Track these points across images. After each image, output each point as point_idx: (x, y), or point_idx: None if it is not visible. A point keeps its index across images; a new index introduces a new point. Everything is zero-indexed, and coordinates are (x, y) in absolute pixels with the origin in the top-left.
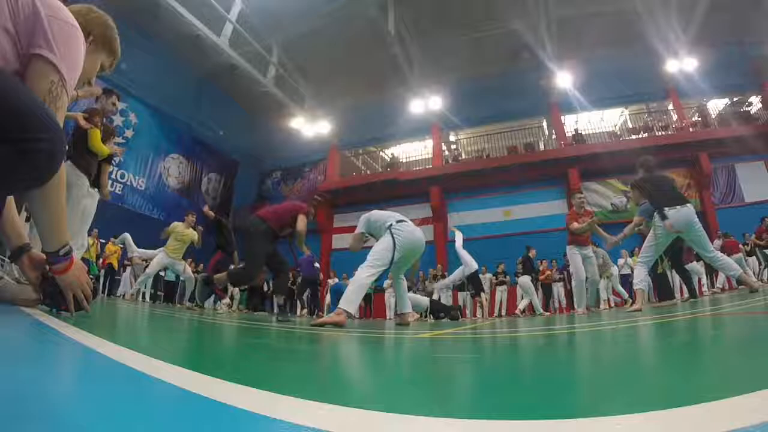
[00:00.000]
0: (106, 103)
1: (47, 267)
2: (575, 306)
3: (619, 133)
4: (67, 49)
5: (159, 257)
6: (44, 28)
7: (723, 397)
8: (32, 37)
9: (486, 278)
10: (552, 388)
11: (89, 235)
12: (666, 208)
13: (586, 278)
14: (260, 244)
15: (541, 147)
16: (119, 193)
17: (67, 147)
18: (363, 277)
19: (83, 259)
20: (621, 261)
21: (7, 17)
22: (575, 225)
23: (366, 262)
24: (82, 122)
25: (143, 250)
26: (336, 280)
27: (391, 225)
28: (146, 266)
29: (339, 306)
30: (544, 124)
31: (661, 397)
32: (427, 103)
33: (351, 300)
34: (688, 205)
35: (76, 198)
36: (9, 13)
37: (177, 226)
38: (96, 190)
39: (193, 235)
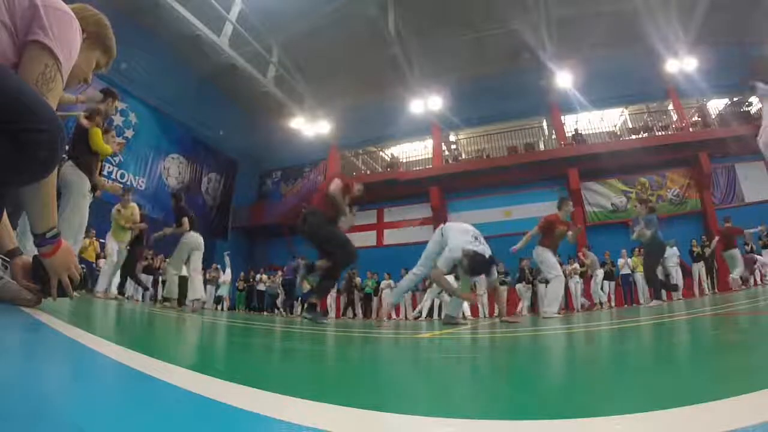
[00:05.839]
0: (110, 106)
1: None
2: (545, 307)
3: (619, 133)
4: (63, 35)
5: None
6: (40, 16)
7: (723, 397)
8: (29, 27)
9: (486, 279)
10: (552, 388)
11: (86, 236)
12: None
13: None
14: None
15: (541, 147)
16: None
17: (67, 146)
18: None
19: (82, 259)
20: (621, 261)
21: (3, 10)
22: (568, 234)
23: None
24: (84, 121)
25: None
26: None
27: None
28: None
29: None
30: (544, 124)
31: (660, 397)
32: (427, 103)
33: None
34: None
35: (76, 197)
36: (5, 6)
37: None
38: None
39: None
